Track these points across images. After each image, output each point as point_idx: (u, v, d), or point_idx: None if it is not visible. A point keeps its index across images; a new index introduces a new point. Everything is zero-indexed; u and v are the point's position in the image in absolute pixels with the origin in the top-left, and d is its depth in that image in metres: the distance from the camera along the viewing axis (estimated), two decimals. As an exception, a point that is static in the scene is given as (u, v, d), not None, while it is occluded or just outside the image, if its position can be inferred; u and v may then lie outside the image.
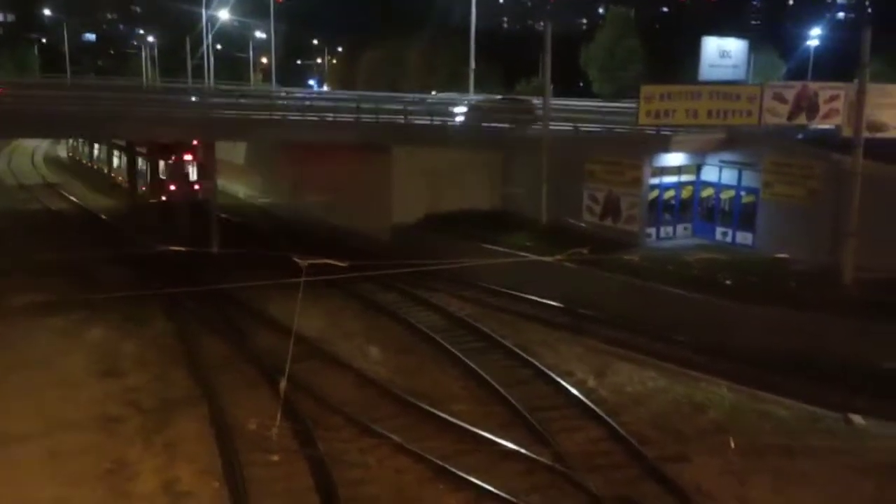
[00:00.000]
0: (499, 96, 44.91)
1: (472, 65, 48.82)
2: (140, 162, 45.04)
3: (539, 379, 18.89)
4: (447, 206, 31.80)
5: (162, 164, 41.38)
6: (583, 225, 30.03)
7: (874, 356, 18.75)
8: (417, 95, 49.24)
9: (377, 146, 32.62)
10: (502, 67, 67.92)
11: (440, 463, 14.38)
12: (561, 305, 24.16)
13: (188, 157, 40.49)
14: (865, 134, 24.60)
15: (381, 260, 22.32)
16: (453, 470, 14.14)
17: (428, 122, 34.86)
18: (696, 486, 13.92)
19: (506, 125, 33.89)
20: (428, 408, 16.79)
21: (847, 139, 25.44)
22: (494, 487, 13.56)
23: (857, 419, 16.74)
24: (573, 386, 18.22)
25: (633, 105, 31.71)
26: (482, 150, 33.10)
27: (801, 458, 14.97)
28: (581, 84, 64.16)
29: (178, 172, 40.58)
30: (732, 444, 14.38)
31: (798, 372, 18.62)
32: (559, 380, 18.54)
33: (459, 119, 36.54)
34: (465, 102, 40.87)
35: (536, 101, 36.80)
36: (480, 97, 41.87)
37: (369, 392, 18.10)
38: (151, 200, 41.87)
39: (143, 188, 44.26)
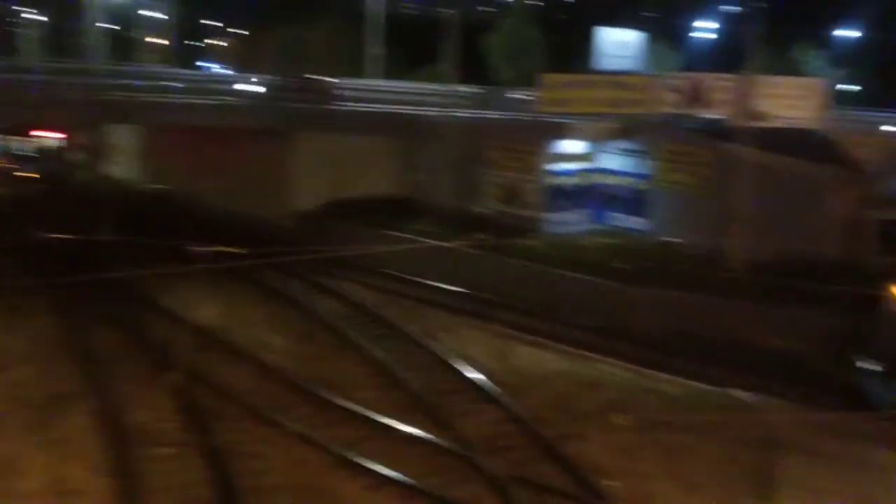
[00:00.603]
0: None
1: (377, 50, 48.51)
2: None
3: (441, 364, 19.03)
4: (351, 193, 31.56)
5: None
6: (486, 211, 30.37)
7: (758, 335, 19.80)
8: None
9: (277, 131, 32.03)
10: (406, 53, 67.50)
11: (341, 451, 14.31)
12: (463, 291, 24.42)
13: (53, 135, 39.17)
14: (752, 123, 25.78)
15: (282, 247, 21.96)
16: (354, 458, 14.10)
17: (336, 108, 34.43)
18: (592, 464, 14.35)
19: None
20: (330, 396, 16.68)
21: (736, 128, 26.61)
22: (396, 473, 13.61)
23: (740, 394, 17.62)
24: (474, 370, 18.44)
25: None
26: (385, 136, 33.00)
27: (688, 432, 15.63)
28: (483, 72, 64.52)
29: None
30: (622, 422, 14.86)
31: (687, 351, 19.49)
32: (460, 364, 18.72)
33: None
34: (256, 81, 40.42)
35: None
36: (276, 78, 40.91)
37: (270, 382, 17.79)
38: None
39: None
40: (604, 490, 13.52)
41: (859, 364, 17.61)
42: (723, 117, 31.28)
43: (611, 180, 32.20)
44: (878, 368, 17.24)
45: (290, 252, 19.66)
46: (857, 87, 60.22)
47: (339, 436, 14.89)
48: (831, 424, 13.68)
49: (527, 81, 44.74)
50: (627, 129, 30.93)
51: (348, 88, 38.45)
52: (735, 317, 20.55)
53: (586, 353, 20.03)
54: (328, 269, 25.42)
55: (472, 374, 18.21)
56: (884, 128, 36.48)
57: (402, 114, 34.32)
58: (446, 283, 24.72)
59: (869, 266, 21.25)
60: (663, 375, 18.70)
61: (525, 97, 37.50)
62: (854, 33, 58.16)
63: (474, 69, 58.92)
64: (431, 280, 25.08)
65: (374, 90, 42.56)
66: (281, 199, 31.84)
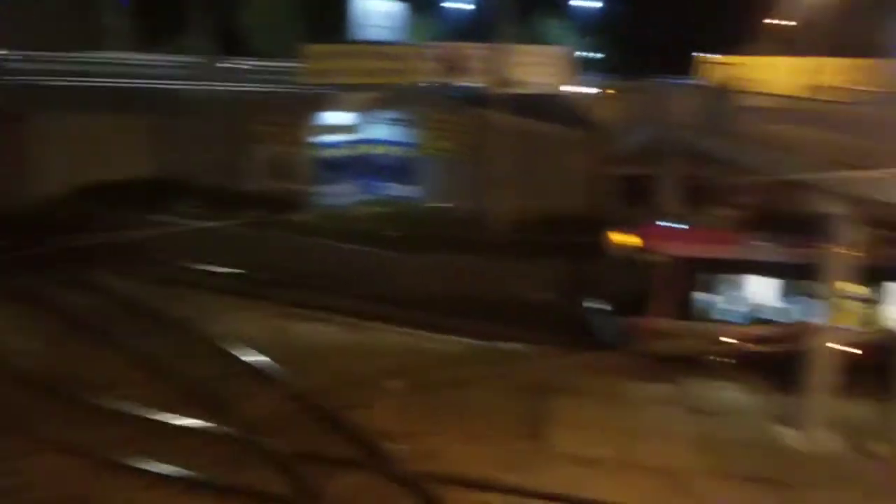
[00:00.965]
0: None
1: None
2: None
3: (216, 350, 18.33)
4: (105, 175, 29.29)
5: None
6: (255, 188, 29.57)
7: (520, 289, 21.17)
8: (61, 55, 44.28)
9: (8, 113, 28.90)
10: (146, 26, 63.44)
11: (109, 455, 13.42)
12: (237, 272, 23.68)
13: None
14: (507, 90, 27.16)
15: (24, 239, 20.02)
16: (123, 459, 13.29)
17: (68, 84, 31.56)
18: (376, 430, 14.61)
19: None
20: (93, 399, 15.49)
21: (492, 95, 27.90)
22: (171, 467, 13.02)
23: (513, 347, 18.75)
24: (252, 352, 17.97)
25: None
26: (139, 113, 30.92)
27: (465, 387, 16.42)
28: (241, 43, 62.22)
29: None
30: (397, 386, 15.32)
31: (460, 311, 20.36)
32: (237, 348, 18.17)
33: None
34: None
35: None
36: None
37: (23, 392, 16.16)
38: None
39: None
40: (390, 453, 13.84)
41: (589, 305, 19.41)
42: (480, 85, 32.67)
43: (379, 150, 32.59)
44: (603, 308, 19.12)
45: (36, 244, 17.89)
46: (598, 55, 65.27)
47: (105, 439, 13.91)
48: (587, 364, 14.99)
49: (288, 52, 43.80)
50: (391, 98, 31.36)
51: (74, 62, 35.19)
52: (500, 274, 21.82)
53: (365, 323, 20.26)
54: (84, 261, 23.49)
55: (251, 357, 17.75)
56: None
57: (156, 89, 32.30)
58: (218, 266, 23.82)
59: (609, 217, 23.29)
60: (439, 336, 19.39)
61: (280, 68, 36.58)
62: (595, 3, 62.77)
63: (232, 41, 56.70)
64: (202, 264, 24.02)
65: (119, 64, 39.47)
66: (20, 187, 28.83)
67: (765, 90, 24.47)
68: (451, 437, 14.62)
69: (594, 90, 37.33)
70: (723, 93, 24.00)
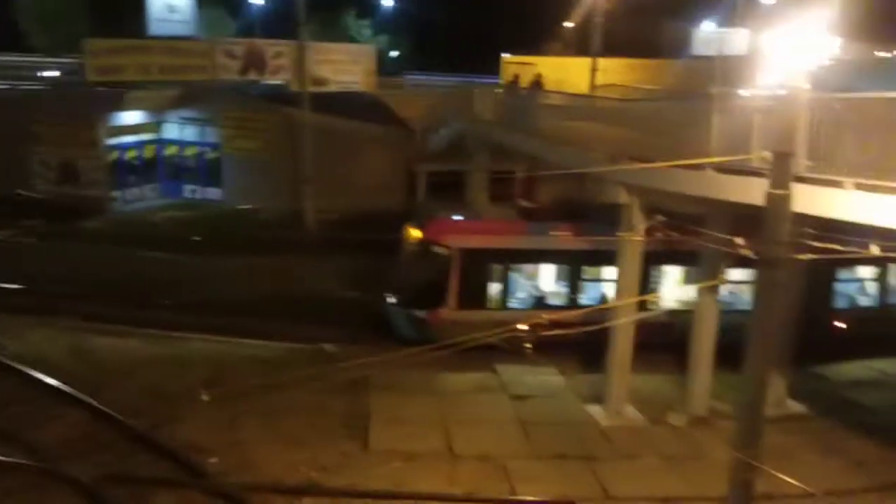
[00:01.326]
0: None
1: None
2: None
3: (4, 372, 16.74)
4: None
5: None
6: (37, 195, 27.36)
7: (334, 288, 21.13)
8: None
9: None
10: None
11: None
12: (22, 287, 21.74)
13: None
14: (311, 88, 26.96)
15: None
16: None
17: None
18: (190, 443, 14.03)
19: None
20: None
21: (296, 93, 27.60)
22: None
23: (328, 347, 18.68)
24: (46, 372, 16.55)
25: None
26: None
27: (283, 391, 16.11)
28: (15, 38, 57.11)
29: None
30: (210, 397, 14.76)
31: (275, 314, 19.99)
32: (28, 369, 16.69)
33: None
34: None
35: None
36: None
37: None
38: None
39: None
40: (205, 468, 13.34)
41: (388, 299, 19.84)
42: (282, 82, 32.23)
43: (178, 151, 31.26)
44: (399, 302, 19.61)
45: None
46: (396, 53, 66.26)
47: None
48: (400, 359, 15.18)
49: (68, 48, 40.87)
50: (189, 96, 30.19)
51: None
52: (307, 274, 21.71)
53: (173, 334, 19.34)
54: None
55: (44, 378, 16.35)
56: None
57: None
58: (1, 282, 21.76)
59: (414, 212, 23.83)
60: (253, 342, 18.91)
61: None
62: (389, 2, 63.49)
63: (4, 35, 51.91)
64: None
65: None
66: None
67: (559, 89, 26.00)
68: (270, 446, 14.29)
69: (399, 88, 37.97)
70: (523, 91, 25.28)
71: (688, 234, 14.14)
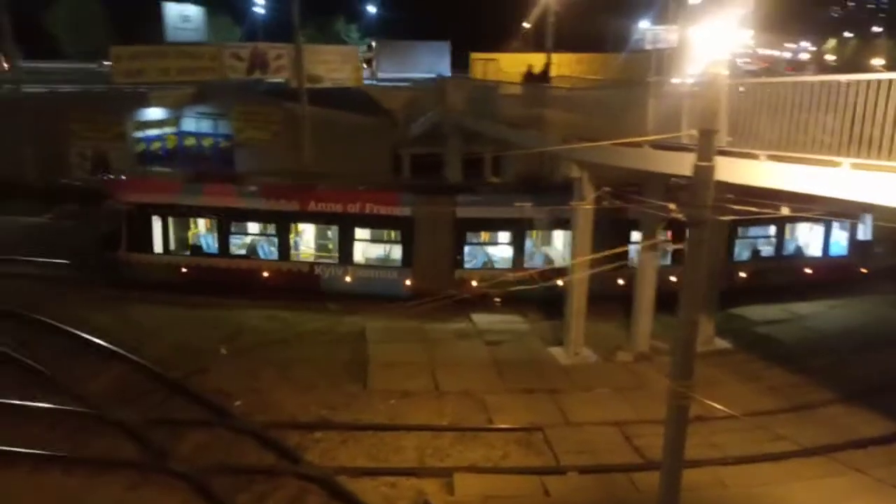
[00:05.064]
0: None
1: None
2: None
3: (57, 334, 16.57)
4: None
5: None
6: (78, 183, 26.97)
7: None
8: None
9: None
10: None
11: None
12: (65, 261, 21.45)
13: None
14: (308, 85, 26.61)
15: None
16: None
17: None
18: (217, 390, 14.09)
19: None
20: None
21: (295, 89, 27.22)
22: (22, 447, 11.78)
23: (332, 306, 18.64)
24: (92, 333, 16.43)
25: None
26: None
27: (295, 344, 16.23)
28: (50, 46, 55.77)
29: None
30: (224, 351, 14.80)
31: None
32: (77, 330, 16.55)
33: None
34: None
35: None
36: None
37: None
38: None
39: None
40: (231, 409, 13.41)
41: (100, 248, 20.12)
42: (283, 80, 31.79)
43: (196, 142, 30.87)
44: (100, 248, 20.00)
45: None
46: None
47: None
48: (392, 313, 15.08)
49: (95, 54, 39.98)
50: (202, 94, 29.77)
51: None
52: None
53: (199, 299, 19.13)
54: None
55: (91, 337, 16.18)
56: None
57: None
58: (48, 257, 21.46)
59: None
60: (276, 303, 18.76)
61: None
62: (373, 9, 62.63)
63: (41, 44, 50.63)
64: (32, 255, 21.54)
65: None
66: None
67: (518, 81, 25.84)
68: (287, 391, 14.31)
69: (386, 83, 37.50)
70: (487, 83, 25.11)
71: (629, 202, 14.23)
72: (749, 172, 10.09)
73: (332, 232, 19.28)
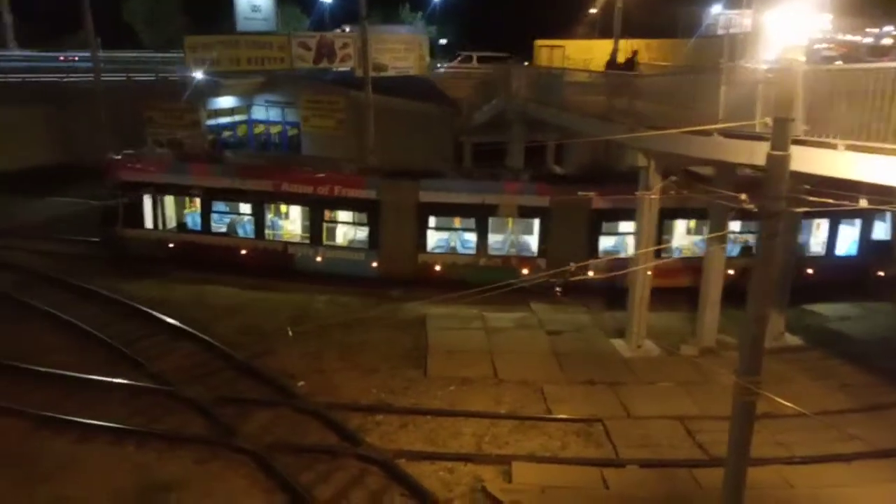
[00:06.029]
0: None
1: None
2: None
3: (134, 315, 17.33)
4: (4, 165, 26.91)
5: None
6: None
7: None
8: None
9: None
10: (45, 24, 58.30)
11: (42, 413, 12.63)
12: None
13: None
14: (373, 73, 26.79)
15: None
16: (56, 415, 12.55)
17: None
18: (282, 371, 14.49)
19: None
20: (23, 365, 14.38)
21: (360, 78, 27.45)
22: (100, 420, 12.42)
23: (395, 293, 18.81)
24: (168, 314, 17.08)
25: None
26: (36, 104, 28.52)
27: (358, 329, 16.47)
28: (129, 37, 57.99)
29: None
30: (290, 333, 15.12)
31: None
32: (152, 311, 17.27)
33: None
34: None
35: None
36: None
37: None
38: None
39: None
40: (295, 390, 13.77)
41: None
42: (349, 69, 32.11)
43: (265, 129, 31.58)
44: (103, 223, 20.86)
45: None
46: (444, 41, 65.33)
47: (36, 399, 13.06)
48: (453, 300, 15.14)
49: (171, 44, 41.26)
50: (271, 82, 30.39)
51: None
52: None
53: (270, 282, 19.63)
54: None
55: (165, 318, 16.83)
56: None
57: (51, 82, 29.78)
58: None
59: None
60: (337, 288, 19.06)
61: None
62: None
63: (120, 35, 52.68)
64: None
65: (12, 59, 36.04)
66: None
67: (586, 67, 25.40)
68: (350, 373, 14.60)
69: (447, 70, 37.46)
70: (552, 70, 24.72)
71: (697, 192, 13.84)
72: (826, 163, 9.64)
73: (304, 213, 19.87)
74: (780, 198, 7.67)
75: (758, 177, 9.43)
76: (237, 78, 29.93)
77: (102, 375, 13.99)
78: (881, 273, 18.84)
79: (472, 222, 18.99)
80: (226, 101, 30.25)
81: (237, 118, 31.36)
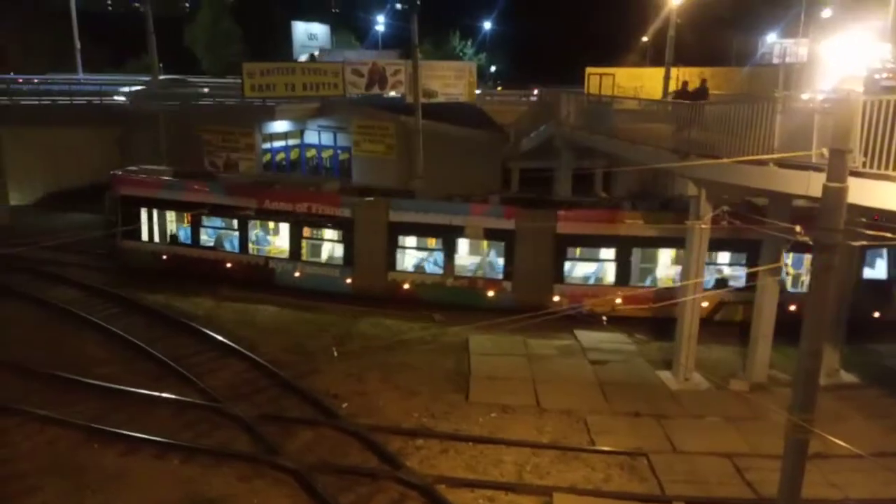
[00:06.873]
0: None
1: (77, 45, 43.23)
2: None
3: (183, 331, 17.79)
4: (70, 184, 28.10)
5: None
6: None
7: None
8: (24, 76, 42.11)
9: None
10: (110, 48, 61.05)
11: (91, 424, 12.97)
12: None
13: None
14: (423, 100, 27.17)
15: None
16: (104, 427, 12.87)
17: (36, 102, 30.11)
18: (325, 391, 14.58)
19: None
20: (72, 376, 14.87)
21: (410, 104, 27.87)
22: (147, 434, 12.68)
23: (438, 317, 18.85)
24: (216, 331, 17.47)
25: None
26: (99, 126, 29.73)
27: (400, 351, 16.50)
28: (188, 62, 60.19)
29: None
30: (335, 353, 15.23)
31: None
32: (202, 328, 17.67)
33: None
34: None
35: None
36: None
37: (4, 374, 15.37)
38: None
39: None
40: (338, 411, 13.83)
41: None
42: (400, 95, 32.61)
43: (317, 153, 32.20)
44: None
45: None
46: (493, 68, 65.96)
47: (85, 411, 13.43)
48: (495, 326, 15.13)
49: (228, 70, 42.52)
50: (325, 108, 31.01)
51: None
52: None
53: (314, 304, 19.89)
54: (57, 258, 22.41)
55: (213, 335, 17.21)
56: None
57: (112, 104, 31.06)
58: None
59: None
60: (376, 309, 19.20)
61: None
62: (488, 25, 63.24)
63: (180, 60, 54.74)
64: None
65: (79, 83, 37.72)
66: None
67: (636, 96, 25.23)
68: (392, 394, 14.61)
69: (496, 98, 37.68)
70: (602, 98, 24.63)
71: (750, 222, 13.51)
72: (885, 195, 9.33)
73: (283, 229, 20.38)
74: (837, 230, 7.44)
75: (811, 208, 9.15)
76: (292, 103, 30.70)
77: (150, 389, 14.31)
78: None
79: (440, 243, 19.15)
80: (280, 126, 31.01)
81: (290, 142, 32.09)
